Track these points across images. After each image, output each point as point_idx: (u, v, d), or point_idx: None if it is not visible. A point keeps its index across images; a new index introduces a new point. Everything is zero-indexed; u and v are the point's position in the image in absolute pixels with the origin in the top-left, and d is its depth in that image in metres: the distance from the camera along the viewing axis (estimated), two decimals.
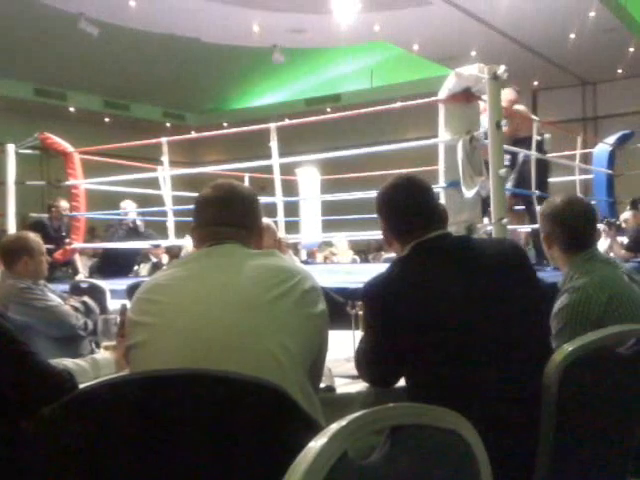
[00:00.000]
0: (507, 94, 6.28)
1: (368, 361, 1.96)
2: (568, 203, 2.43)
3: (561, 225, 2.38)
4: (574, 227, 2.38)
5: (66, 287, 4.71)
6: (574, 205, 2.44)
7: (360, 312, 2.47)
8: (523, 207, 6.10)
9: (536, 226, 5.42)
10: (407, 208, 1.98)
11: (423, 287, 1.82)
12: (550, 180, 7.82)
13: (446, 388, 1.73)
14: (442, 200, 4.37)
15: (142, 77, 14.37)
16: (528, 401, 1.63)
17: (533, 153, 5.68)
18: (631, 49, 12.15)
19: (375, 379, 2.00)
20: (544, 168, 6.11)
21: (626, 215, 7.91)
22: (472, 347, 1.74)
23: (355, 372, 2.10)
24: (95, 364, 2.32)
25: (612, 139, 8.07)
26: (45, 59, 12.63)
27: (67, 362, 2.24)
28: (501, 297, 1.82)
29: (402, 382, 1.94)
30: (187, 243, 6.53)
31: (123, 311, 2.31)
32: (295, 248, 7.88)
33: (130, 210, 7.34)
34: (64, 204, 7.15)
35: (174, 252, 8.13)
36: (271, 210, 5.65)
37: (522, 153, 5.98)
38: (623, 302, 2.17)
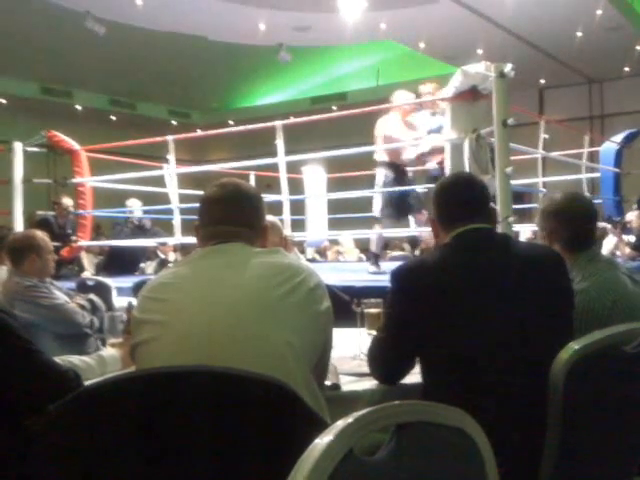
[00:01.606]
0: (400, 97, 5.94)
1: (381, 347, 1.96)
2: (571, 200, 2.40)
3: (564, 222, 2.35)
4: (577, 225, 2.36)
5: (72, 285, 4.72)
6: (577, 202, 2.41)
7: (366, 310, 2.48)
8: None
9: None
10: (452, 199, 2.01)
11: (450, 279, 1.82)
12: (557, 179, 7.83)
13: (457, 385, 1.73)
14: None
15: (148, 75, 14.39)
16: (538, 400, 1.62)
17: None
18: (638, 47, 12.11)
19: (385, 369, 1.99)
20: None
21: (631, 215, 7.90)
22: (486, 345, 1.74)
23: (361, 370, 2.10)
24: (102, 361, 2.33)
25: (619, 137, 8.05)
26: (51, 57, 12.66)
27: (74, 359, 2.24)
28: (527, 299, 1.81)
29: (408, 379, 1.94)
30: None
31: (129, 308, 2.32)
32: (301, 246, 7.88)
33: (136, 208, 7.36)
34: (67, 201, 7.17)
35: (187, 250, 8.13)
36: (277, 208, 5.66)
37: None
38: (627, 305, 2.15)
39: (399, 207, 5.83)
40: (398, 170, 5.95)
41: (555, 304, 1.86)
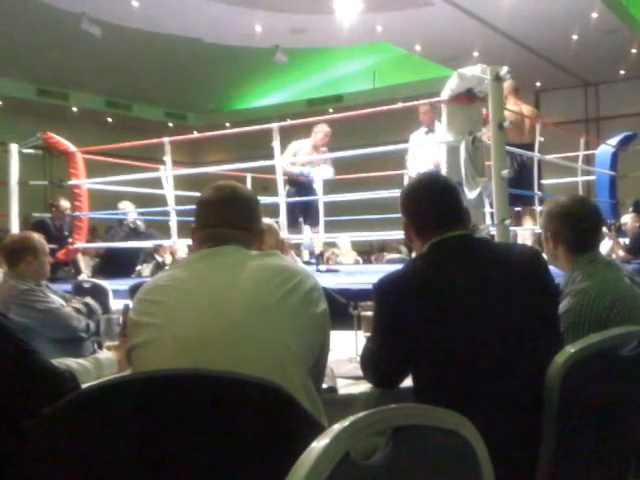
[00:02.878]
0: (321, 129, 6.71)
1: (374, 360, 1.96)
2: (579, 203, 2.42)
3: (570, 224, 2.36)
4: (584, 227, 2.37)
5: (69, 287, 4.71)
6: (585, 205, 2.43)
7: (362, 313, 2.47)
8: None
9: None
10: (428, 205, 1.97)
11: (435, 286, 1.81)
12: (553, 182, 7.84)
13: (450, 389, 1.73)
14: None
15: (144, 77, 14.39)
16: (532, 402, 1.63)
17: None
18: (633, 50, 12.15)
19: (379, 379, 1.99)
20: None
21: (626, 218, 7.91)
22: (479, 348, 1.74)
23: (357, 373, 2.10)
24: (98, 364, 2.32)
25: (615, 140, 8.07)
26: (48, 59, 12.65)
27: (70, 362, 2.24)
28: (513, 301, 1.81)
29: (405, 383, 1.94)
30: (180, 245, 6.57)
31: (126, 311, 2.31)
32: (298, 249, 7.89)
33: (131, 210, 7.35)
34: (64, 203, 7.16)
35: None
36: (273, 210, 5.66)
37: None
38: (626, 306, 2.16)
39: (299, 216, 6.81)
40: (299, 185, 6.86)
41: (542, 303, 1.86)
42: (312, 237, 7.07)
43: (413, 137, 6.55)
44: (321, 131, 6.64)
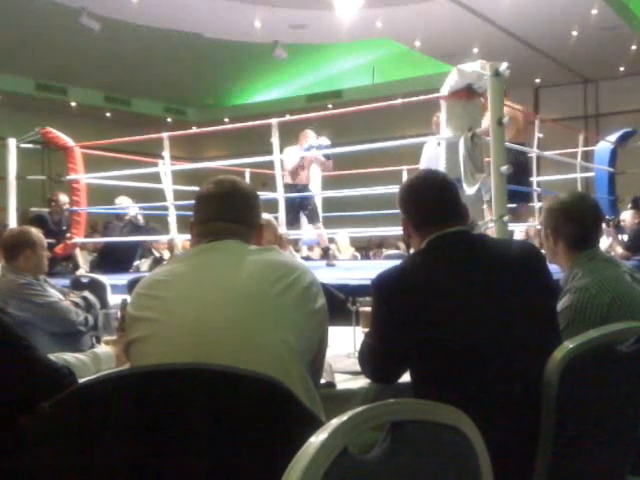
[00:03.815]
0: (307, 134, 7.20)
1: (372, 355, 1.96)
2: (579, 199, 2.43)
3: (571, 220, 2.36)
4: (584, 223, 2.37)
5: (67, 282, 4.71)
6: (585, 202, 2.43)
7: (361, 309, 2.48)
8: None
9: None
10: (427, 201, 1.97)
11: (433, 282, 1.81)
12: (552, 178, 7.85)
13: (448, 385, 1.73)
14: None
15: (143, 72, 14.37)
16: (529, 398, 1.63)
17: None
18: (633, 47, 12.15)
19: (377, 374, 1.99)
20: None
21: (625, 215, 7.92)
22: (477, 344, 1.74)
23: (355, 368, 2.10)
24: (96, 358, 2.32)
25: (614, 137, 8.07)
26: (46, 54, 12.63)
27: (68, 356, 2.24)
28: (511, 297, 1.81)
29: (404, 378, 1.94)
30: (179, 240, 6.58)
31: (124, 306, 2.31)
32: (296, 244, 7.89)
33: (129, 205, 7.35)
34: (63, 198, 7.15)
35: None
36: (272, 206, 5.66)
37: None
38: (626, 302, 2.16)
39: (296, 215, 7.15)
40: (295, 187, 7.21)
41: (541, 299, 1.86)
42: (317, 233, 7.24)
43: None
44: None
